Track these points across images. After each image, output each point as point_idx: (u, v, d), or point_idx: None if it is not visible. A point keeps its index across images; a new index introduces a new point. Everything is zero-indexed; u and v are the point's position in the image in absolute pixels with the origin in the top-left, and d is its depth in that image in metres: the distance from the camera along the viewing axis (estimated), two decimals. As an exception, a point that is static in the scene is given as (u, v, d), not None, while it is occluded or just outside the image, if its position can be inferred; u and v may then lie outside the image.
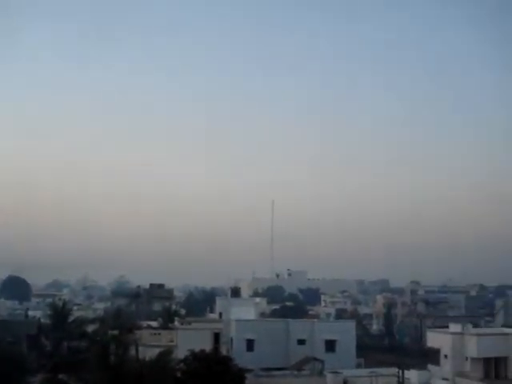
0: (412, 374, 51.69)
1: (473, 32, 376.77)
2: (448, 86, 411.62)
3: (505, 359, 55.73)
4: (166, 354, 47.91)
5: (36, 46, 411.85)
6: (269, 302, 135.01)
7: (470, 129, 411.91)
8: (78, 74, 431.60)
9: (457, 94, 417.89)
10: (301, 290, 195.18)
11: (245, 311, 78.92)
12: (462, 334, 57.67)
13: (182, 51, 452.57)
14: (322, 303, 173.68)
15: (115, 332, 52.21)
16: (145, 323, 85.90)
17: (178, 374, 40.73)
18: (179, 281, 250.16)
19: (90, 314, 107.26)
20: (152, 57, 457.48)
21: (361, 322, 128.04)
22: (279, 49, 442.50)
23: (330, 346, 72.24)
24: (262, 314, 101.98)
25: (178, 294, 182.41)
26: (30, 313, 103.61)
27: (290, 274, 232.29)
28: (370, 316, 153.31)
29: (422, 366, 58.43)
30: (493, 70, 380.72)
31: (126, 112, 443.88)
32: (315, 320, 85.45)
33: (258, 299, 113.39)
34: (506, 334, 58.52)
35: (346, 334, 73.65)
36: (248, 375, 50.13)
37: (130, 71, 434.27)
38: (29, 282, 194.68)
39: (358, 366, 71.81)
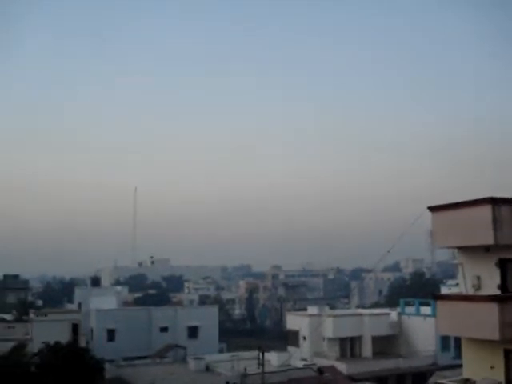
0: (272, 356, 52.80)
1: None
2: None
3: (359, 338, 58.35)
4: (20, 347, 45.72)
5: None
6: (131, 291, 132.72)
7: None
8: None
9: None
10: (164, 278, 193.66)
11: (105, 301, 77.04)
12: (319, 315, 59.65)
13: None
14: (186, 290, 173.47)
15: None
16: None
17: (32, 368, 38.76)
18: (36, 271, 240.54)
19: None
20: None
21: (224, 307, 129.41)
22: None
23: (193, 332, 72.36)
24: (125, 303, 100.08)
25: (36, 285, 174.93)
26: None
27: (152, 262, 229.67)
28: (232, 301, 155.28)
29: (282, 348, 59.90)
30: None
31: None
32: (178, 307, 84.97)
33: (119, 288, 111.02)
34: (360, 315, 61.22)
35: (208, 319, 74.00)
36: (108, 366, 48.93)
37: None
38: None
39: (221, 350, 72.50)
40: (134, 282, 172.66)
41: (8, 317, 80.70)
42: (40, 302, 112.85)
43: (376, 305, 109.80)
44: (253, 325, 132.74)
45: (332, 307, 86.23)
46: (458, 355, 29.76)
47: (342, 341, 57.95)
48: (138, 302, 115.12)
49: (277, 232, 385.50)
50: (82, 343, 57.43)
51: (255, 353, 48.36)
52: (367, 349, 58.04)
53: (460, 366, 27.30)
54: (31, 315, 67.92)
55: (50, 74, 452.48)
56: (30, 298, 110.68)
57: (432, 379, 42.51)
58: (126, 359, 59.65)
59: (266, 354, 46.93)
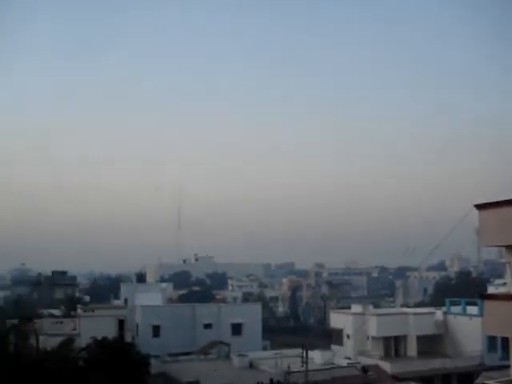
0: (316, 354, 52.71)
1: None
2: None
3: (404, 338, 57.79)
4: (68, 342, 46.63)
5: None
6: (176, 288, 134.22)
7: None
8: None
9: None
10: (208, 275, 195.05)
11: (151, 297, 77.98)
12: (363, 314, 59.29)
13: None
14: (229, 287, 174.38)
15: (15, 321, 50.17)
16: (46, 311, 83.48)
17: (80, 363, 39.59)
18: (84, 268, 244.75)
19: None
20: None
21: (267, 304, 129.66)
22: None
23: (237, 329, 72.63)
24: (170, 300, 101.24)
25: (83, 281, 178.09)
26: None
27: (197, 259, 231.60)
28: (276, 299, 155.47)
29: (325, 346, 59.75)
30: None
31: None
32: (221, 304, 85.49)
33: (164, 284, 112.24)
34: (405, 314, 60.63)
35: (252, 317, 74.20)
36: (153, 361, 49.58)
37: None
38: None
39: (264, 348, 72.69)
40: (179, 278, 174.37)
41: (56, 312, 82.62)
42: (87, 298, 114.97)
43: (421, 304, 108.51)
44: (296, 323, 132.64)
45: (376, 306, 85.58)
46: (506, 356, 29.20)
47: (386, 340, 57.51)
48: (182, 299, 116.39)
49: (320, 230, 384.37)
50: (128, 339, 58.29)
51: (299, 351, 48.41)
52: (412, 348, 57.48)
53: (507, 366, 26.81)
54: (79, 311, 69.31)
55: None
56: (77, 294, 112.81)
57: (479, 380, 41.84)
58: (170, 355, 60.30)
59: (310, 352, 46.91)
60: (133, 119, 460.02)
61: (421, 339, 57.49)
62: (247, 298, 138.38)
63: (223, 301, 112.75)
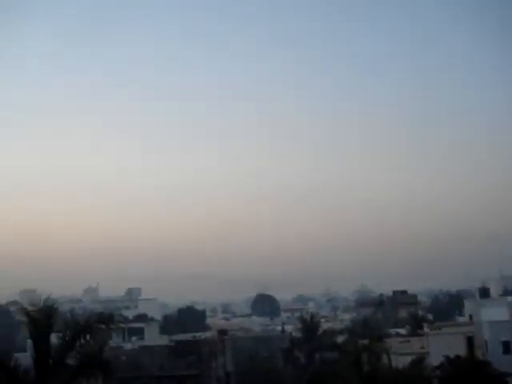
0: None
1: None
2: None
3: None
4: (419, 361, 47.15)
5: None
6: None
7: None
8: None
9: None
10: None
11: (496, 312, 74.54)
12: None
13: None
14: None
15: (365, 342, 52.32)
16: (392, 331, 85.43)
17: (434, 382, 39.71)
18: (422, 285, 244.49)
19: (337, 325, 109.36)
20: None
21: None
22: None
23: None
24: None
25: (422, 299, 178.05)
26: (280, 327, 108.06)
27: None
28: None
29: None
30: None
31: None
32: None
33: (509, 298, 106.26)
34: None
35: None
36: (509, 379, 47.36)
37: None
38: (276, 298, 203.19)
39: None
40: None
41: (402, 331, 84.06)
42: (430, 316, 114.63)
43: None
44: None
45: None
46: None
47: None
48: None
49: None
50: (479, 356, 56.56)
51: None
52: None
53: None
54: (425, 329, 69.49)
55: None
56: (420, 313, 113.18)
57: None
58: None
59: None
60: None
61: None
62: None
63: None
